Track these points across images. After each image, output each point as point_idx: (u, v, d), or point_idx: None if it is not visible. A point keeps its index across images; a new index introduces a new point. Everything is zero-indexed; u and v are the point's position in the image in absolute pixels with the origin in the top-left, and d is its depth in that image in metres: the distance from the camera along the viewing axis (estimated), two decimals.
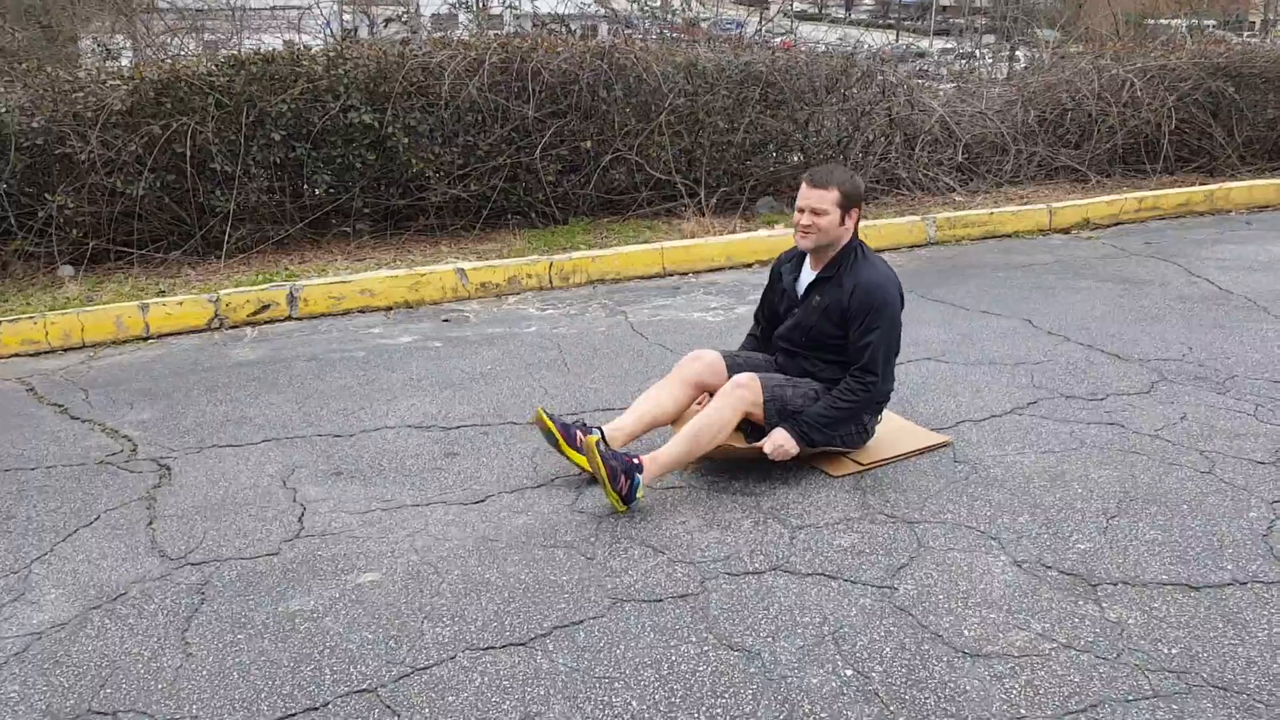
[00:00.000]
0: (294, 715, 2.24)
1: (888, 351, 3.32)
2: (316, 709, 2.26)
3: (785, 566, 2.80)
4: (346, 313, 5.54)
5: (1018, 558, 2.82)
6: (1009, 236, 7.05)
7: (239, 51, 6.64)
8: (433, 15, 10.43)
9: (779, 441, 3.25)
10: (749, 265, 6.39)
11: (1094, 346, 4.58)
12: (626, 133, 6.96)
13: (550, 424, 3.29)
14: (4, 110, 5.79)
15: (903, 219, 6.98)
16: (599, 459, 3.04)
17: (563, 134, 6.82)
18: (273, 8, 10.51)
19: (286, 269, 6.00)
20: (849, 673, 2.34)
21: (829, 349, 3.39)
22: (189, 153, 5.92)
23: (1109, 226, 7.30)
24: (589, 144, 6.85)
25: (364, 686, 2.33)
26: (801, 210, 3.30)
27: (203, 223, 6.22)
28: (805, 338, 3.43)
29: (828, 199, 3.26)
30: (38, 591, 2.76)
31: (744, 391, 3.26)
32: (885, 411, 3.56)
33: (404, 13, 9.18)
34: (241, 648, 2.49)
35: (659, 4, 9.61)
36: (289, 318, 5.43)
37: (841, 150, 7.66)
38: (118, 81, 6.06)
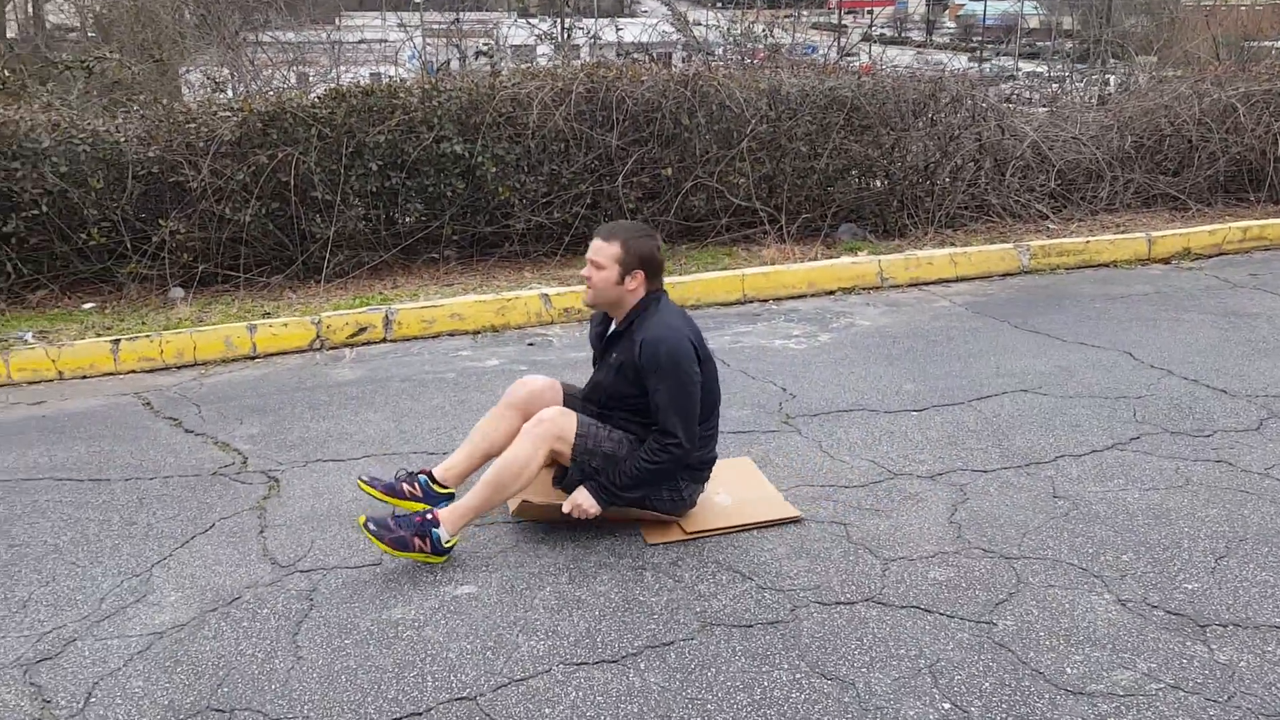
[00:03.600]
0: (399, 719, 2.33)
1: (684, 412, 3.03)
2: (420, 714, 2.34)
3: (878, 598, 2.79)
4: (436, 336, 5.69)
5: (1122, 596, 2.77)
6: (1106, 266, 6.90)
7: (337, 84, 6.90)
8: (512, 47, 10.71)
9: (579, 500, 3.07)
10: (831, 293, 6.38)
11: (1199, 381, 4.46)
12: (707, 159, 7.03)
13: (374, 491, 3.19)
14: (123, 140, 6.11)
15: (994, 246, 6.89)
16: (376, 541, 2.90)
17: (644, 161, 6.92)
18: (359, 41, 10.91)
19: (380, 294, 6.19)
20: (946, 706, 2.33)
21: (630, 409, 3.16)
22: (293, 181, 6.18)
23: (1211, 257, 7.09)
24: (670, 171, 6.94)
25: (464, 694, 2.41)
26: (587, 261, 3.14)
27: (303, 248, 6.46)
28: (605, 396, 3.22)
29: (606, 253, 3.08)
30: (159, 594, 2.91)
31: (546, 426, 3.04)
32: (758, 477, 3.49)
33: (492, 46, 9.45)
34: (348, 653, 2.59)
35: (741, 32, 9.71)
36: (384, 339, 5.60)
37: (928, 176, 7.61)
38: (227, 113, 6.35)
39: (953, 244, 7.12)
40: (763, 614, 2.72)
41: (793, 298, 6.30)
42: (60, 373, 5.13)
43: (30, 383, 5.06)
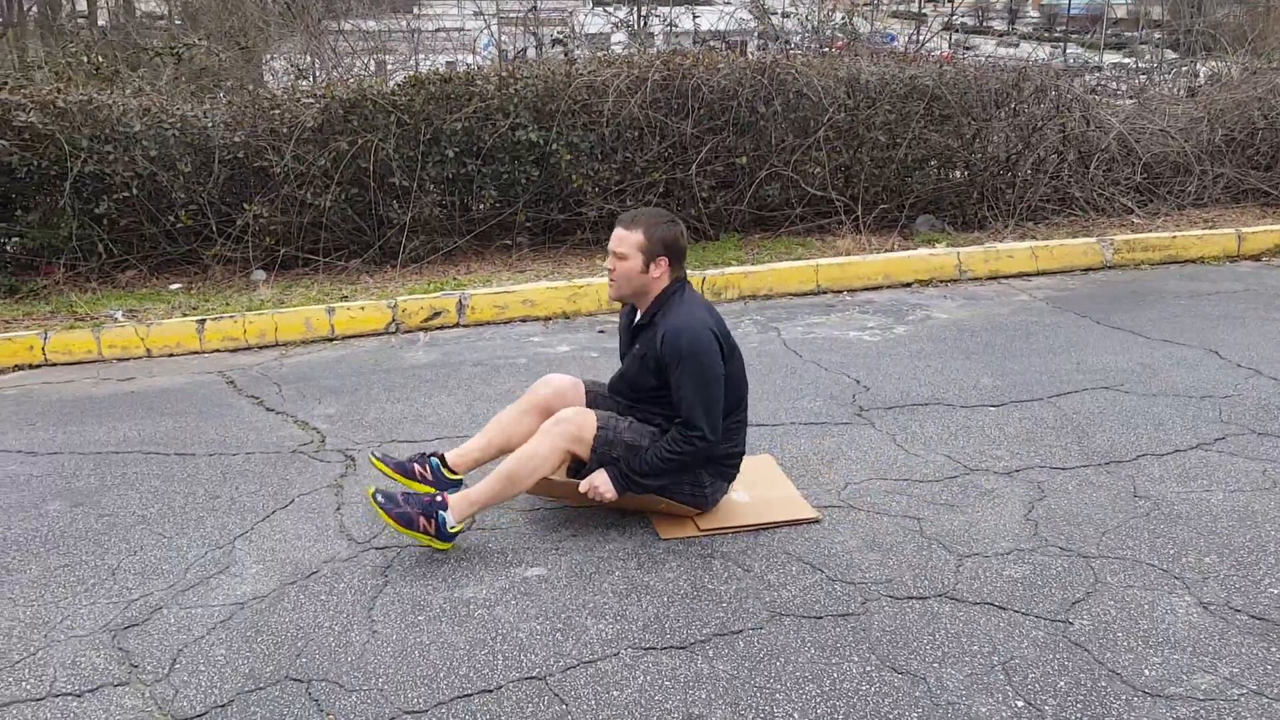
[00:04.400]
0: (470, 695, 2.36)
1: (708, 403, 2.98)
2: (490, 691, 2.38)
3: (951, 594, 2.75)
4: (509, 321, 5.75)
5: (1203, 598, 2.68)
6: (1193, 262, 6.67)
7: (415, 71, 7.00)
8: (587, 35, 10.73)
9: (596, 483, 3.03)
10: (908, 285, 6.28)
11: None
12: (783, 148, 6.97)
13: (385, 468, 3.19)
14: (210, 125, 6.29)
15: (1076, 240, 6.71)
16: (382, 513, 2.92)
17: (718, 150, 6.89)
18: (435, 31, 11.02)
19: (454, 279, 6.28)
20: (1020, 704, 2.29)
21: (654, 401, 3.12)
22: (371, 168, 6.29)
23: None
24: (744, 160, 6.89)
25: (534, 674, 2.43)
26: (609, 253, 3.10)
27: (380, 233, 6.58)
28: (630, 389, 3.20)
29: (629, 241, 3.02)
30: (241, 565, 3.00)
31: (566, 427, 3.01)
32: (779, 475, 3.43)
33: (568, 33, 9.48)
34: (422, 629, 2.64)
35: (820, 19, 9.58)
36: (457, 324, 5.68)
37: (1010, 167, 7.44)
38: (310, 100, 6.49)
39: (1033, 237, 6.95)
40: (833, 606, 2.70)
41: (868, 289, 6.22)
42: (149, 350, 5.31)
43: (120, 359, 5.25)
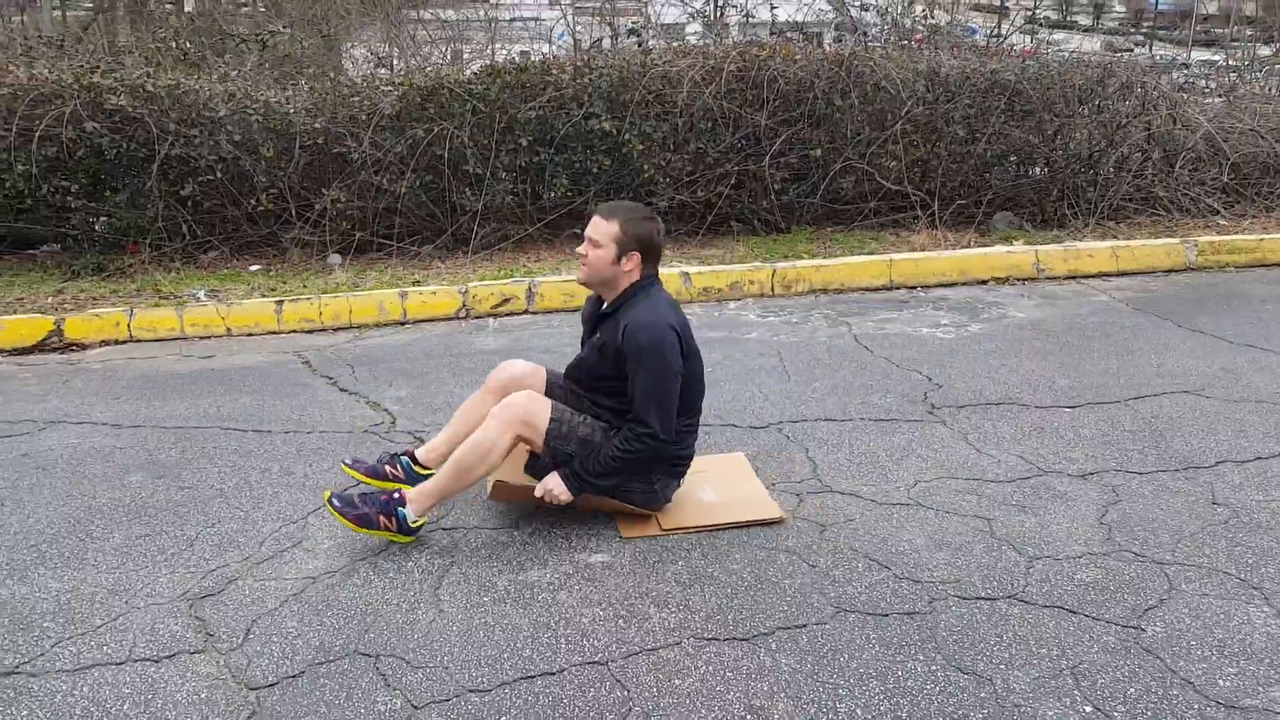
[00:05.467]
0: (533, 677, 2.39)
1: (661, 402, 2.94)
2: (553, 674, 2.40)
3: (1020, 595, 2.70)
4: (577, 309, 5.74)
5: None
6: None
7: (492, 60, 7.07)
8: (663, 25, 10.71)
9: (550, 486, 3.01)
10: (984, 282, 6.16)
11: None
12: (858, 141, 6.88)
13: (356, 474, 3.23)
14: (292, 111, 6.43)
15: (1158, 241, 6.52)
16: (339, 517, 2.93)
17: (792, 142, 6.83)
18: (512, 20, 11.12)
19: (524, 266, 6.33)
20: (1088, 709, 2.24)
21: (607, 392, 3.09)
22: (446, 155, 6.37)
23: None
24: (819, 152, 6.83)
25: (596, 659, 2.45)
26: (584, 239, 3.05)
27: (453, 220, 6.67)
28: (587, 377, 3.16)
29: (605, 231, 2.99)
30: (313, 541, 3.08)
31: (513, 410, 2.97)
32: (748, 474, 3.36)
33: (644, 24, 9.48)
34: (486, 609, 2.68)
35: (899, 12, 9.44)
36: (526, 311, 5.73)
37: (1092, 165, 7.24)
38: (389, 88, 6.59)
39: (1115, 237, 6.77)
40: (899, 604, 2.67)
41: (942, 285, 6.12)
42: (229, 329, 5.46)
43: (201, 337, 5.41)
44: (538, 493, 3.03)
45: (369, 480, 3.25)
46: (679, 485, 3.20)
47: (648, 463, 3.02)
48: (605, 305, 3.12)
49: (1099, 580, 2.76)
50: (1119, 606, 2.64)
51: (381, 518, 2.95)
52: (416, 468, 3.25)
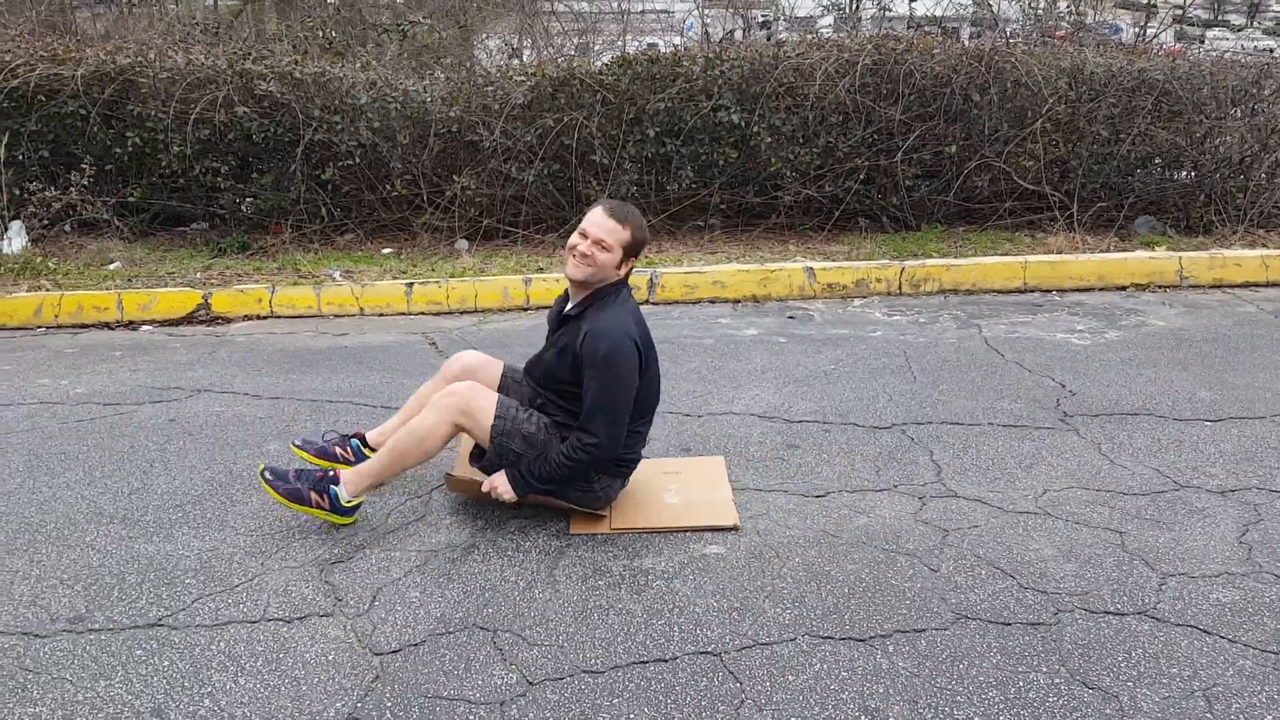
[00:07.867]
0: (646, 663, 2.41)
1: (611, 413, 2.88)
2: (666, 661, 2.41)
3: (1151, 612, 2.58)
4: (697, 301, 5.78)
5: None
6: None
7: (623, 52, 7.13)
8: (795, 18, 10.59)
9: (496, 484, 2.99)
10: (1123, 288, 5.90)
11: None
12: (995, 139, 6.67)
13: (305, 454, 3.25)
14: (429, 100, 6.62)
15: None
16: (271, 491, 2.95)
17: (926, 138, 6.67)
18: (643, 12, 11.16)
19: (646, 257, 6.36)
20: None
21: (561, 395, 3.03)
22: (574, 145, 6.45)
23: None
24: (953, 149, 6.64)
25: (709, 649, 2.45)
26: (585, 235, 2.91)
27: (578, 209, 6.75)
28: (544, 376, 3.10)
29: (618, 236, 2.90)
30: (436, 515, 3.17)
31: (453, 399, 2.95)
32: (721, 479, 3.30)
33: (777, 16, 9.39)
34: (601, 593, 2.71)
35: (1042, 8, 9.10)
36: (647, 301, 5.76)
37: (1243, 170, 6.84)
38: (522, 78, 6.72)
39: (1265, 245, 6.38)
40: (1023, 614, 2.58)
41: (1078, 290, 5.88)
42: (361, 309, 5.67)
43: (336, 316, 5.64)
44: (485, 488, 3.04)
45: (318, 461, 3.31)
46: (623, 485, 3.16)
47: (589, 470, 3.00)
48: (570, 307, 3.06)
49: (1237, 601, 2.62)
50: (1258, 630, 2.49)
51: (314, 494, 2.99)
52: (367, 450, 3.32)
